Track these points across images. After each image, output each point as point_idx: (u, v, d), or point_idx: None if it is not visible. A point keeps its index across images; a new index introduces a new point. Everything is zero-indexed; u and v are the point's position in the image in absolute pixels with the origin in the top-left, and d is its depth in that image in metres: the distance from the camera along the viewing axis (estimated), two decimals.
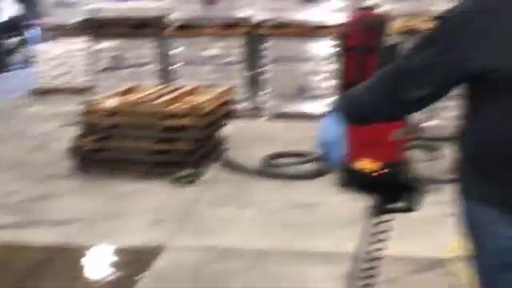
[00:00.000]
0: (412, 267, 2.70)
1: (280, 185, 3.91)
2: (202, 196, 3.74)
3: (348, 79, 4.01)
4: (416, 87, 1.30)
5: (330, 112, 1.42)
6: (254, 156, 4.47)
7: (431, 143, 4.44)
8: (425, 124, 4.66)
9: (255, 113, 6.34)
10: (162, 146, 4.06)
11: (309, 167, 4.18)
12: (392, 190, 1.37)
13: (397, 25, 4.40)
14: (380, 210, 1.39)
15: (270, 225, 3.24)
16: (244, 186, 3.90)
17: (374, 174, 1.36)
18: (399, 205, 1.37)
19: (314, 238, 3.06)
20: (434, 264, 2.70)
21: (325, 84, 5.90)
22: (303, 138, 5.16)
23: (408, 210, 1.39)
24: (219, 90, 4.83)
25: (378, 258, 1.42)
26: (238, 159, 4.39)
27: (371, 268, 1.43)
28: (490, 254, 1.29)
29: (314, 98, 6.07)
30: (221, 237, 3.10)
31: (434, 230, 3.00)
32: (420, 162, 3.99)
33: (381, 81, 1.39)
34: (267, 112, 6.22)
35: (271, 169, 4.22)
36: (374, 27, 3.76)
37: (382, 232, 1.40)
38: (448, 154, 4.23)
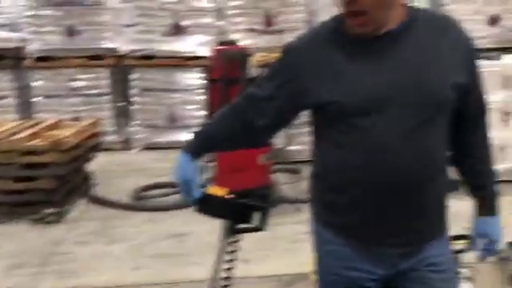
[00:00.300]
0: (275, 284, 2.85)
1: (151, 217, 3.89)
2: (68, 235, 3.57)
3: (213, 110, 4.17)
4: (263, 115, 1.39)
5: (183, 151, 1.47)
6: (125, 189, 4.39)
7: (293, 166, 4.76)
8: (287, 148, 4.97)
9: (125, 145, 6.24)
10: (22, 185, 3.81)
11: (180, 197, 4.23)
12: (239, 213, 1.48)
13: (257, 58, 4.68)
14: (230, 231, 1.49)
15: (141, 258, 3.20)
16: (113, 222, 3.80)
17: (222, 199, 1.47)
18: (248, 226, 1.48)
19: (187, 266, 3.10)
20: (296, 279, 2.87)
21: (196, 114, 6.02)
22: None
23: (257, 229, 1.50)
24: (85, 123, 4.69)
25: (230, 277, 1.51)
26: (108, 194, 4.28)
27: (226, 287, 1.51)
28: (327, 271, 1.43)
29: (186, 127, 6.16)
30: (88, 276, 2.99)
31: (296, 247, 3.20)
32: (283, 184, 4.23)
33: (231, 111, 1.47)
34: (138, 143, 6.16)
35: (141, 202, 4.18)
36: (236, 60, 3.96)
37: (233, 252, 1.49)
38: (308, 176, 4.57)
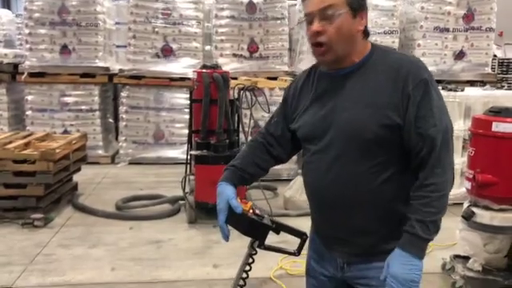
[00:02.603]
0: None
1: (132, 225, 4.16)
2: (53, 238, 3.83)
3: (195, 128, 4.48)
4: (277, 147, 1.65)
5: (220, 182, 1.62)
6: (109, 199, 4.67)
7: (270, 184, 5.07)
8: None
9: (112, 159, 6.52)
10: (12, 191, 4.08)
11: (160, 208, 4.52)
12: (257, 230, 1.49)
13: (238, 81, 5.02)
14: (259, 246, 1.52)
15: (119, 261, 3.47)
16: (96, 228, 4.08)
17: (248, 215, 1.49)
18: (284, 248, 1.56)
19: (161, 269, 3.36)
20: (263, 282, 3.15)
21: (180, 132, 6.34)
22: (158, 182, 5.50)
23: (292, 254, 1.56)
24: (73, 136, 4.99)
25: (245, 283, 1.62)
26: (93, 203, 4.56)
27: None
28: (308, 261, 1.70)
29: (170, 144, 6.47)
30: (69, 274, 3.24)
31: (263, 253, 3.44)
32: (259, 200, 4.52)
33: (250, 147, 1.70)
34: (124, 158, 6.44)
35: (123, 211, 4.45)
36: (216, 82, 4.29)
37: (251, 263, 1.60)
38: (282, 193, 4.87)
